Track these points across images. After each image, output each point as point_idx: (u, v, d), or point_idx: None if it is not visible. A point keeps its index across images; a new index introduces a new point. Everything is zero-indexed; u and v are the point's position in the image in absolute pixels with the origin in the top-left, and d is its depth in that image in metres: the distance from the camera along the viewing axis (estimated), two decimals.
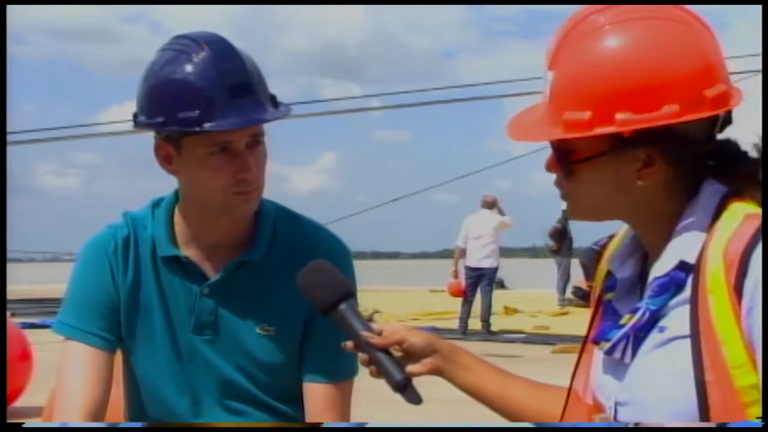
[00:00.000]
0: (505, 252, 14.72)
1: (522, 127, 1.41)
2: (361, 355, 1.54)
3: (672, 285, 1.33)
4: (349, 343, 1.56)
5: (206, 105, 1.70)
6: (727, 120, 1.38)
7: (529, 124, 1.40)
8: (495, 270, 13.56)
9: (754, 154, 1.36)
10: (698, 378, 1.27)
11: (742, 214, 1.30)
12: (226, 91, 1.71)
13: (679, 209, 1.36)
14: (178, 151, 1.77)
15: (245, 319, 1.84)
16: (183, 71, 1.72)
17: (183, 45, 1.76)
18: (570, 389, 1.50)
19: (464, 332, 13.06)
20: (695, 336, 1.28)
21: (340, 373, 1.86)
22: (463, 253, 13.36)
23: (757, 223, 1.28)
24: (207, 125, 1.70)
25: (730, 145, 1.38)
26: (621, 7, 1.34)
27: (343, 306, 1.56)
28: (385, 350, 1.53)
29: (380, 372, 1.52)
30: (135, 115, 1.80)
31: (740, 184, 1.34)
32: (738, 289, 1.25)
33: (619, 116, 1.29)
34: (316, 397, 1.85)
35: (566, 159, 1.36)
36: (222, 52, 1.74)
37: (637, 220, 1.40)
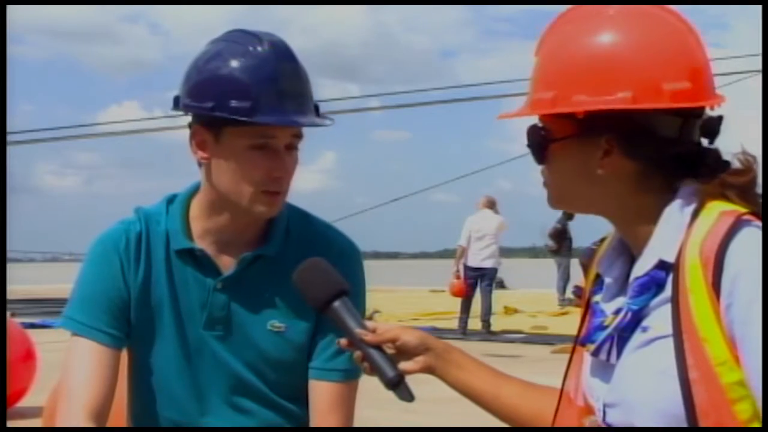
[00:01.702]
0: (505, 252, 14.72)
1: (514, 111, 1.45)
2: (356, 353, 1.55)
3: (652, 284, 1.34)
4: (343, 341, 1.57)
5: (258, 98, 1.73)
6: (713, 128, 1.38)
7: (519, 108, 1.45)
8: (496, 270, 13.57)
9: (736, 164, 1.37)
10: (682, 376, 1.27)
11: (717, 211, 1.31)
12: (279, 90, 1.75)
13: (656, 208, 1.36)
14: (216, 139, 1.79)
15: (257, 315, 1.85)
16: (242, 63, 1.76)
17: (245, 38, 1.80)
18: (562, 391, 1.51)
19: (464, 332, 13.06)
20: (677, 335, 1.29)
21: (346, 372, 1.86)
22: (464, 252, 13.35)
23: (731, 219, 1.29)
24: (258, 117, 1.73)
25: (711, 152, 1.38)
26: (606, 6, 1.39)
27: (337, 303, 1.58)
28: (379, 348, 1.54)
29: (373, 369, 1.53)
30: (176, 98, 1.83)
31: (717, 190, 1.34)
32: (716, 287, 1.27)
33: (576, 98, 1.34)
34: (322, 396, 1.85)
35: (540, 141, 1.41)
36: (281, 52, 1.78)
37: (609, 213, 1.42)
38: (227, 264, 1.85)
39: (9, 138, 11.29)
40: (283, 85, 1.75)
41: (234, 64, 1.76)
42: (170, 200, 1.91)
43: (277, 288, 1.85)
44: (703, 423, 1.26)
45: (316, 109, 1.84)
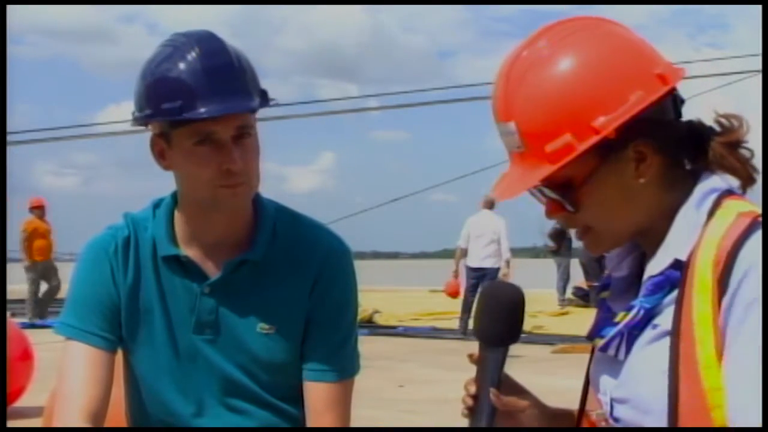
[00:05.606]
0: None
1: (512, 183, 1.38)
2: (466, 398, 1.48)
3: (667, 283, 1.34)
4: (471, 387, 1.48)
5: (188, 95, 1.71)
6: (681, 102, 1.40)
7: (516, 178, 1.37)
8: (497, 270, 13.55)
9: (717, 128, 1.39)
10: (672, 374, 1.28)
11: (735, 212, 1.32)
12: (209, 82, 1.71)
13: (674, 205, 1.37)
14: (169, 145, 1.78)
15: (246, 318, 1.84)
16: (170, 66, 1.74)
17: (173, 41, 1.78)
18: (585, 389, 1.50)
19: (464, 332, 13.06)
20: (675, 333, 1.30)
21: (340, 372, 1.86)
22: (464, 253, 13.37)
23: (749, 220, 1.29)
24: (186, 114, 1.71)
25: (696, 124, 1.40)
26: (549, 32, 1.37)
27: (495, 352, 1.48)
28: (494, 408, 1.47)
29: (472, 418, 1.48)
30: (133, 113, 1.82)
31: (713, 162, 1.37)
32: (722, 284, 1.27)
33: (596, 123, 1.31)
34: (317, 397, 1.85)
35: (568, 192, 1.36)
36: (209, 46, 1.75)
37: (647, 224, 1.39)
38: (213, 269, 1.85)
39: (8, 138, 11.29)
40: (212, 77, 1.72)
41: (163, 67, 1.75)
42: (156, 205, 1.91)
43: (264, 291, 1.84)
44: (682, 424, 1.27)
45: (264, 95, 1.79)
